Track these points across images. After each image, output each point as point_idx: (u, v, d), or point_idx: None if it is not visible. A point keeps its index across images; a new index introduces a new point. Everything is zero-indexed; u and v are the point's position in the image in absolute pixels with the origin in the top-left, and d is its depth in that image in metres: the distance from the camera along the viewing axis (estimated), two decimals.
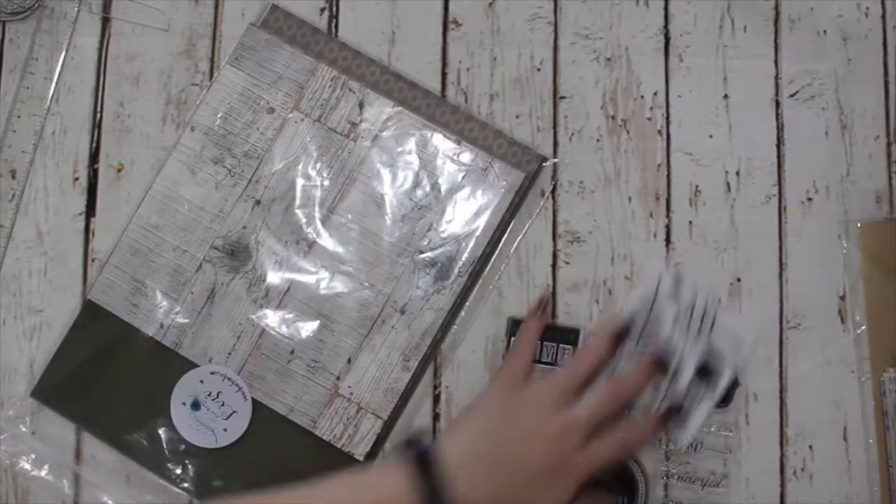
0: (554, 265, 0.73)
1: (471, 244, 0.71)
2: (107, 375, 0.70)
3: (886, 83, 0.75)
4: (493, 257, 0.72)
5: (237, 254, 0.71)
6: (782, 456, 0.71)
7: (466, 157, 0.72)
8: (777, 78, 0.75)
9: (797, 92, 0.74)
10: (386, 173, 0.72)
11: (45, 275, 0.72)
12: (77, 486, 0.70)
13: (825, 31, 0.75)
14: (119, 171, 0.73)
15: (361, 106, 0.72)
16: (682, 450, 0.69)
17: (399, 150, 0.72)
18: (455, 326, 0.71)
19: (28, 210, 0.73)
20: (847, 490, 0.71)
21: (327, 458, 0.69)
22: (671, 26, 0.75)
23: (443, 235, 0.71)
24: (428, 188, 0.71)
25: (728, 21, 0.75)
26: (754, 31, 0.75)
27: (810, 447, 0.71)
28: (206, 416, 0.69)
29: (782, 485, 0.71)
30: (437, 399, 0.72)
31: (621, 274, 0.73)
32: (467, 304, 0.72)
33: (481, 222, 0.71)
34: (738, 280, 0.73)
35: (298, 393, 0.70)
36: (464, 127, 0.72)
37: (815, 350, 0.72)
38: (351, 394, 0.70)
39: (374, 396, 0.70)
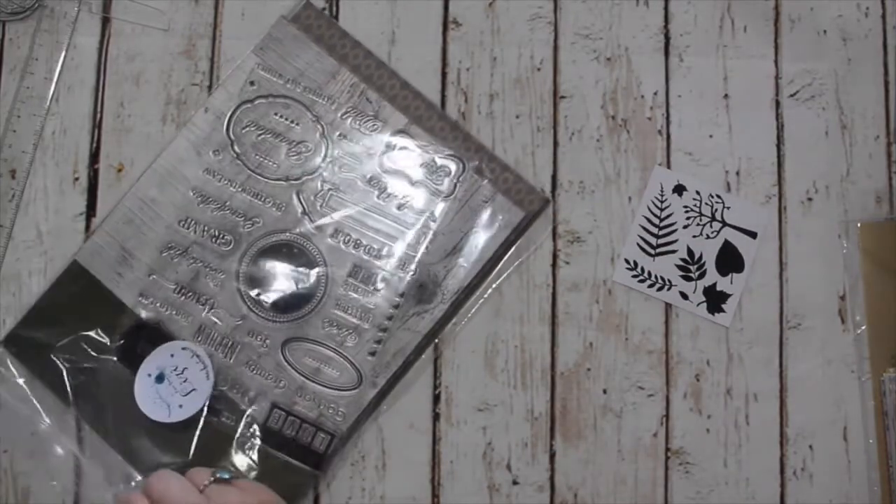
0: (554, 265, 0.73)
1: (460, 273, 0.71)
2: (79, 339, 0.70)
3: (886, 83, 0.75)
4: (479, 289, 0.72)
5: (228, 242, 0.71)
6: (782, 456, 0.71)
7: (470, 185, 0.71)
8: (777, 78, 0.75)
9: (797, 92, 0.75)
10: (389, 188, 0.71)
11: (45, 275, 0.72)
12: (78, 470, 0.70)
13: (825, 31, 0.75)
14: (119, 171, 0.73)
15: (376, 117, 0.72)
16: None
17: (405, 166, 0.72)
18: (454, 326, 0.71)
19: (28, 210, 0.73)
20: (847, 490, 0.71)
21: (276, 462, 0.69)
22: (671, 26, 0.75)
23: (433, 260, 0.71)
24: (427, 210, 0.71)
25: (728, 21, 0.75)
26: (754, 31, 0.75)
27: (810, 447, 0.71)
28: (167, 390, 0.69)
29: (782, 485, 0.71)
30: (437, 399, 0.72)
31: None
32: (467, 303, 0.72)
33: (473, 253, 0.71)
34: None
35: (263, 390, 0.70)
36: (473, 155, 0.72)
37: (815, 350, 0.72)
38: (312, 400, 0.70)
39: (337, 408, 0.69)
